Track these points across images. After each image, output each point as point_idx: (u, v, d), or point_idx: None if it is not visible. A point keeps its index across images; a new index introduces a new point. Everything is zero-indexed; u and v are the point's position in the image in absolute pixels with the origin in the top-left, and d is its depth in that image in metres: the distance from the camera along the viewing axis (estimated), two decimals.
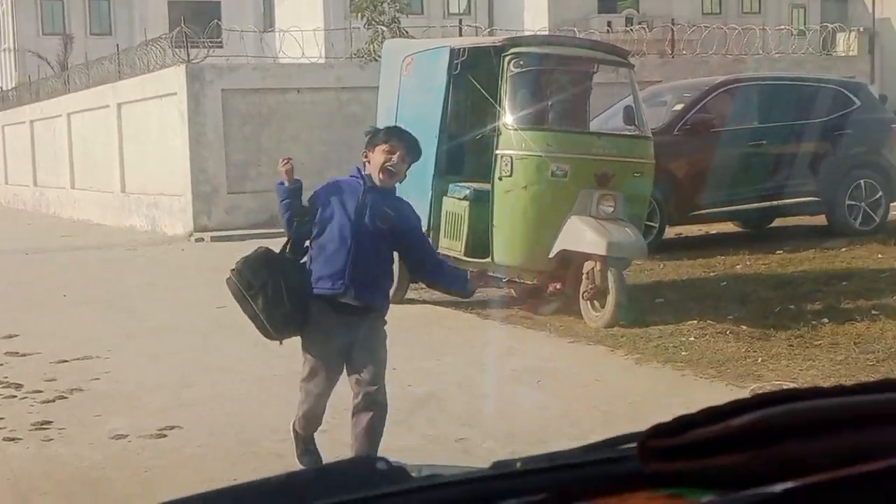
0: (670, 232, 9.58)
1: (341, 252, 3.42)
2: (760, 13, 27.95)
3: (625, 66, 7.42)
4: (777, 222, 10.35)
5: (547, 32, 16.63)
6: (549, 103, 7.31)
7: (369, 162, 3.52)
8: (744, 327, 5.90)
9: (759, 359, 5.24)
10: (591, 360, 5.61)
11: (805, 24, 23.65)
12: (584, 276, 6.35)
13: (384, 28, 14.81)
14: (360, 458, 2.83)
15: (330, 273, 3.43)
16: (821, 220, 9.98)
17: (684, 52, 15.72)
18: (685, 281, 7.81)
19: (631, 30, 18.88)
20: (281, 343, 3.64)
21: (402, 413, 3.99)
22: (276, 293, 3.40)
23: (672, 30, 16.37)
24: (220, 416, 4.67)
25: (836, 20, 21.40)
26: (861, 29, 20.94)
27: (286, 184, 3.50)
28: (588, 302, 6.39)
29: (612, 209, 6.43)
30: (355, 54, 15.00)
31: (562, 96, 7.45)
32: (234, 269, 3.51)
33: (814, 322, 5.94)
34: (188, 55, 13.47)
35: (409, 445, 3.86)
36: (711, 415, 0.76)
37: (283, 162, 3.55)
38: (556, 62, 7.44)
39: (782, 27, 20.05)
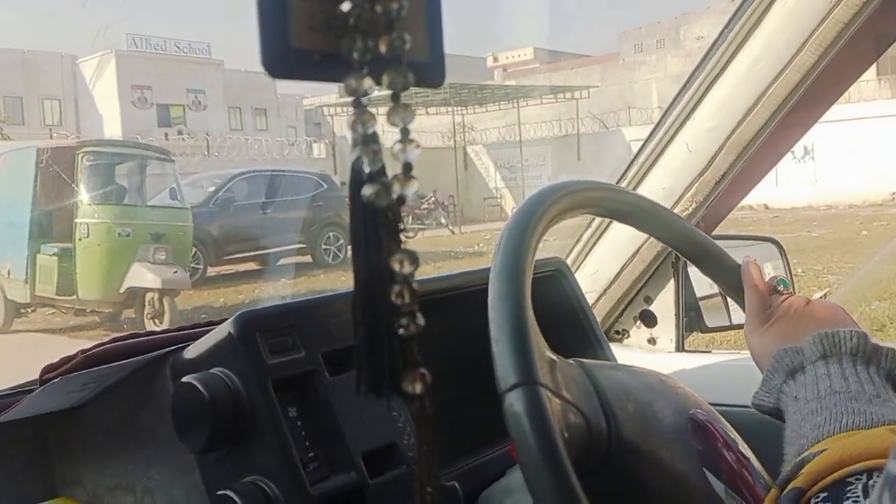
0: (212, 270, 12.82)
1: None
2: (267, 129, 38.35)
3: (168, 161, 10.67)
4: (283, 261, 14.13)
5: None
6: (116, 186, 10.08)
7: None
8: None
9: None
10: None
11: (296, 137, 33.02)
12: (146, 304, 9.15)
13: None
14: None
15: None
16: (307, 258, 14.15)
17: (216, 153, 23.17)
18: (222, 303, 10.42)
19: (182, 138, 27.77)
20: None
21: None
22: None
23: (207, 139, 24.46)
24: None
25: (313, 135, 33.59)
26: (328, 141, 29.97)
27: None
28: (151, 320, 9.13)
29: (164, 256, 9.47)
30: None
31: (124, 181, 10.25)
32: None
33: None
34: None
35: None
36: None
37: None
38: (118, 158, 10.34)
39: (280, 139, 27.87)
